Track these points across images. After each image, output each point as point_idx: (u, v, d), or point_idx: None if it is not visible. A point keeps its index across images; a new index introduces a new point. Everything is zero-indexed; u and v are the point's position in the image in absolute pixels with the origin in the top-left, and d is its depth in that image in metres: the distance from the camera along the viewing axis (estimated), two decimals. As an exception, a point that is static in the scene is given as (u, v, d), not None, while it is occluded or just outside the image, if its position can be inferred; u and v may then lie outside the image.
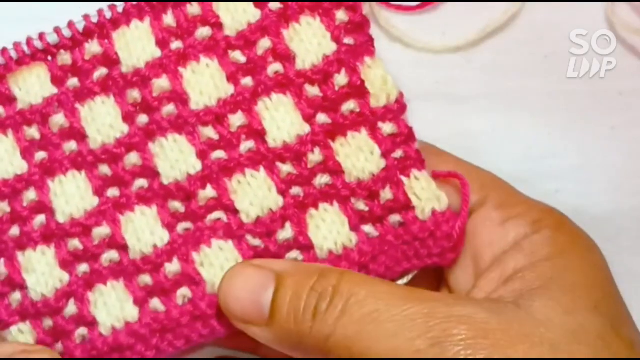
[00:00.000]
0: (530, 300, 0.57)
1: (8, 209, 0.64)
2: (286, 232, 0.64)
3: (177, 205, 0.64)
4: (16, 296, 0.64)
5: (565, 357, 0.55)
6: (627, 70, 0.75)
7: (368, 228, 0.64)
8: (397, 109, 0.65)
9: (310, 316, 0.58)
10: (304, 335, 0.58)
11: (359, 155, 0.64)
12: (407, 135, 0.65)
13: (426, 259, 0.64)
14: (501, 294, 0.59)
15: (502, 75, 0.75)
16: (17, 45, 0.64)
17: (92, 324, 0.64)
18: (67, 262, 0.64)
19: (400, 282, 0.64)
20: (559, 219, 0.63)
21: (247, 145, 0.64)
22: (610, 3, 0.74)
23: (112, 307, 0.64)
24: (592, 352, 0.55)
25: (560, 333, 0.56)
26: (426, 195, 0.64)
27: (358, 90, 0.65)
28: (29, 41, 0.64)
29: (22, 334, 0.64)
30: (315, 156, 0.64)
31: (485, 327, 0.55)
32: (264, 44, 0.65)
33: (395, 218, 0.64)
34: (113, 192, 0.65)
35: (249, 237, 0.64)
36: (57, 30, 0.64)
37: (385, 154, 0.64)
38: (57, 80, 0.65)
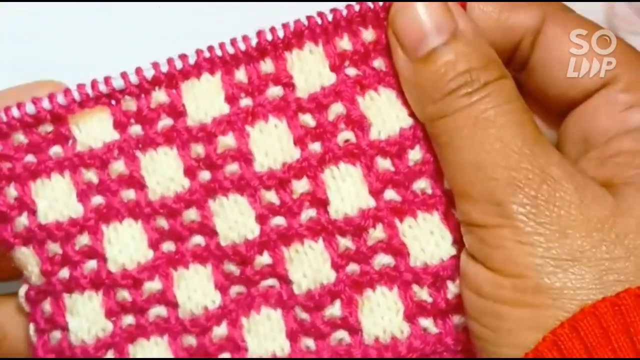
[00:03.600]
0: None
1: (60, 251, 0.63)
2: (334, 309, 0.62)
3: (232, 268, 0.63)
4: (56, 335, 0.63)
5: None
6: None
7: (426, 322, 0.62)
8: None
9: (449, 90, 0.58)
10: (429, 99, 0.59)
11: (429, 239, 0.61)
12: None
13: None
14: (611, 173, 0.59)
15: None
16: (80, 87, 0.62)
17: None
18: (113, 312, 0.63)
19: None
20: None
21: (308, 213, 0.62)
22: (610, 3, 0.74)
23: None
24: None
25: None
26: None
27: (431, 168, 0.62)
28: (93, 84, 0.62)
29: None
30: (376, 232, 0.62)
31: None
32: (337, 109, 0.62)
33: (461, 319, 0.61)
34: (168, 246, 0.63)
35: (297, 310, 0.62)
36: (123, 75, 0.62)
37: (456, 242, 0.61)
38: (120, 125, 0.63)
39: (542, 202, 0.55)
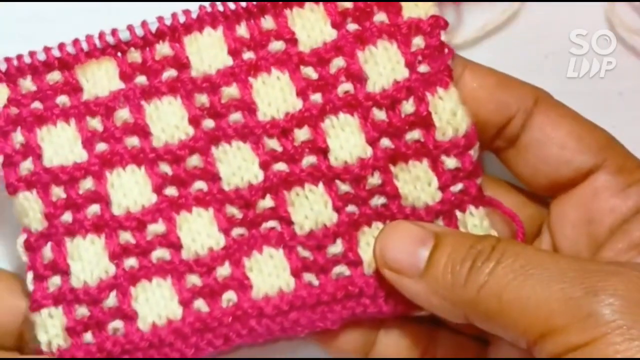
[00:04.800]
0: None
1: (64, 195, 0.65)
2: (336, 248, 0.65)
3: (234, 211, 0.65)
4: (55, 280, 0.64)
5: None
6: (627, 70, 0.75)
7: None
8: (464, 144, 0.65)
9: (467, 269, 0.59)
10: (457, 287, 0.59)
11: (416, 184, 0.65)
12: (470, 171, 0.65)
13: None
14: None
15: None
16: (89, 38, 0.65)
17: (130, 318, 0.64)
18: (116, 254, 0.64)
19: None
20: None
21: (309, 160, 0.65)
22: (610, 3, 0.74)
23: (155, 304, 0.64)
24: None
25: None
26: (477, 232, 0.65)
27: (423, 120, 0.65)
28: (101, 35, 0.65)
29: (51, 318, 0.64)
30: (374, 179, 0.65)
31: (638, 281, 0.56)
32: (338, 62, 0.65)
33: None
34: (171, 191, 0.65)
35: (299, 248, 0.65)
36: (129, 27, 0.65)
37: (442, 187, 0.65)
38: (125, 76, 0.65)
39: None
